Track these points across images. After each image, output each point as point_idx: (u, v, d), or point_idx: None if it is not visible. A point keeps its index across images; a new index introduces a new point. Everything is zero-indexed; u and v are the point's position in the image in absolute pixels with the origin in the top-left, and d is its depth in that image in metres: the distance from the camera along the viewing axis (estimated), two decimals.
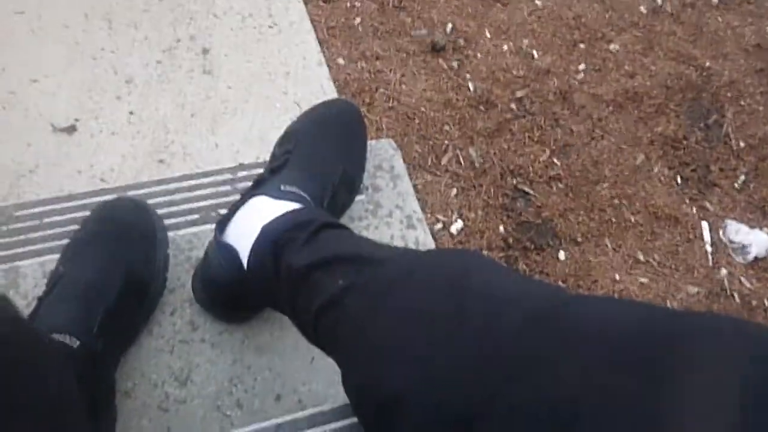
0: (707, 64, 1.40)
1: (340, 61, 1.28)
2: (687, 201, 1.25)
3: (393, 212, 0.92)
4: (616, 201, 1.24)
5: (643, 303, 0.40)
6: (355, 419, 0.59)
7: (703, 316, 0.37)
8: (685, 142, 1.31)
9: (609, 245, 1.19)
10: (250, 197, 0.74)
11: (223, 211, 0.76)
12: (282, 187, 0.73)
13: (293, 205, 0.70)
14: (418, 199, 1.00)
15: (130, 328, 0.75)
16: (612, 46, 1.40)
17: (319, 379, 0.79)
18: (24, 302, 0.77)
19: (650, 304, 0.40)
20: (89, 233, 0.74)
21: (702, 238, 1.22)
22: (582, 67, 1.36)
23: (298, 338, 0.82)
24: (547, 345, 0.37)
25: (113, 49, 1.16)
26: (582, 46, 1.39)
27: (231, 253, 0.70)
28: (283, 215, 0.67)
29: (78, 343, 0.63)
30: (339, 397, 0.68)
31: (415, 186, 1.06)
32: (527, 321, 0.39)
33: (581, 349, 0.36)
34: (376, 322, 0.48)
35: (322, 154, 0.80)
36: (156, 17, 1.21)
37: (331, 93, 1.19)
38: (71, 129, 1.07)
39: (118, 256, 0.72)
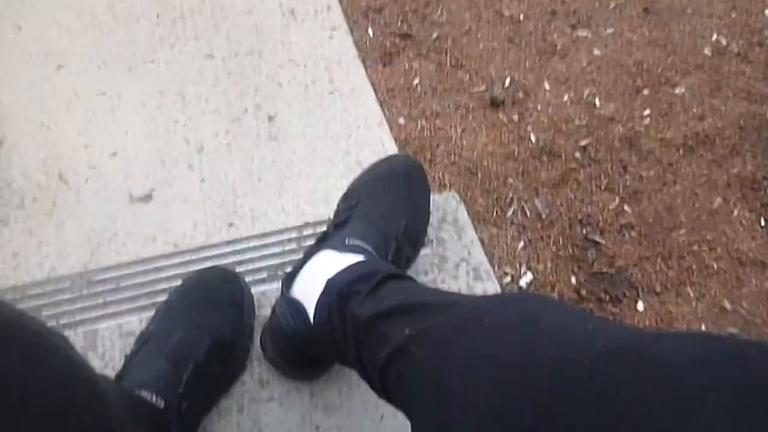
0: None
1: (401, 120, 1.30)
2: None
3: (459, 265, 0.91)
4: (695, 247, 1.18)
5: (733, 337, 0.37)
6: None
7: None
8: (765, 183, 1.24)
9: (691, 294, 1.13)
10: (316, 252, 0.74)
11: (290, 269, 0.77)
12: (346, 241, 0.73)
13: (358, 258, 0.70)
14: (485, 253, 0.98)
15: (213, 391, 0.75)
16: (677, 90, 1.37)
17: None
18: (101, 363, 0.79)
19: (742, 338, 0.36)
20: (181, 298, 0.77)
21: None
22: (647, 112, 1.33)
23: (367, 396, 0.80)
24: (626, 383, 0.34)
25: (185, 121, 1.23)
26: (645, 91, 1.37)
27: (297, 308, 0.70)
28: (348, 268, 0.67)
29: (163, 403, 0.64)
30: None
31: (480, 239, 1.04)
32: (603, 359, 0.37)
33: (663, 387, 0.33)
34: (445, 370, 0.47)
35: (384, 207, 0.80)
36: (224, 89, 1.27)
37: (392, 151, 1.21)
38: (147, 198, 1.13)
39: (207, 320, 0.74)
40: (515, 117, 1.32)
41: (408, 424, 0.52)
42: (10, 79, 1.26)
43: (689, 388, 0.31)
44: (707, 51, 1.44)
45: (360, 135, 1.23)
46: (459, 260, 0.91)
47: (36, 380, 0.34)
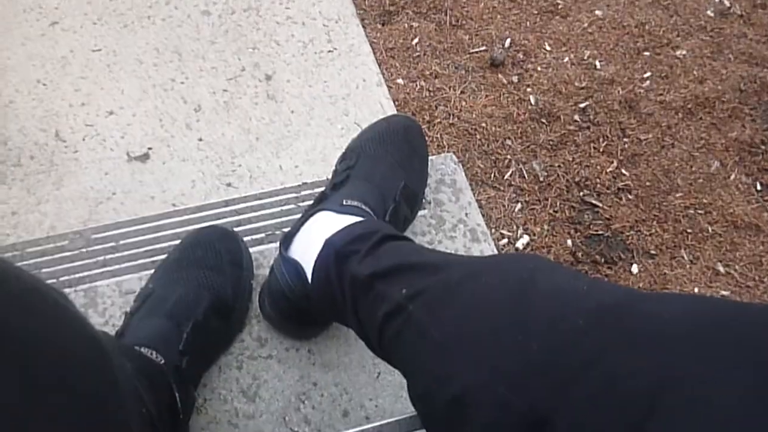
0: None
1: (399, 81, 1.29)
2: None
3: (456, 226, 0.91)
4: (690, 211, 1.18)
5: (724, 299, 0.38)
6: (422, 431, 0.58)
7: None
8: (763, 147, 1.25)
9: (686, 257, 1.14)
10: (314, 213, 0.75)
11: (288, 229, 0.77)
12: (344, 202, 0.73)
13: (355, 219, 0.70)
14: (482, 215, 0.99)
15: (212, 349, 0.77)
16: (679, 52, 1.36)
17: (385, 395, 0.78)
18: (102, 320, 0.80)
19: (732, 300, 0.37)
20: (180, 256, 0.77)
21: None
22: (648, 74, 1.32)
23: (364, 354, 0.82)
24: (618, 339, 0.35)
25: (183, 80, 1.21)
26: (647, 53, 1.36)
27: (295, 267, 0.71)
28: (346, 228, 0.67)
29: (163, 359, 0.65)
30: (405, 412, 0.67)
31: (478, 201, 1.05)
32: (596, 317, 0.38)
33: (656, 343, 0.34)
34: (441, 324, 0.47)
35: (382, 168, 0.80)
36: (221, 48, 1.26)
37: (390, 112, 1.20)
38: (145, 157, 1.12)
39: (207, 279, 0.74)
40: (515, 78, 1.31)
41: (404, 381, 0.53)
42: (4, 36, 1.24)
43: (678, 355, 0.32)
44: (710, 12, 1.42)
45: (358, 95, 1.22)
46: (456, 222, 0.91)
47: (37, 332, 0.35)
